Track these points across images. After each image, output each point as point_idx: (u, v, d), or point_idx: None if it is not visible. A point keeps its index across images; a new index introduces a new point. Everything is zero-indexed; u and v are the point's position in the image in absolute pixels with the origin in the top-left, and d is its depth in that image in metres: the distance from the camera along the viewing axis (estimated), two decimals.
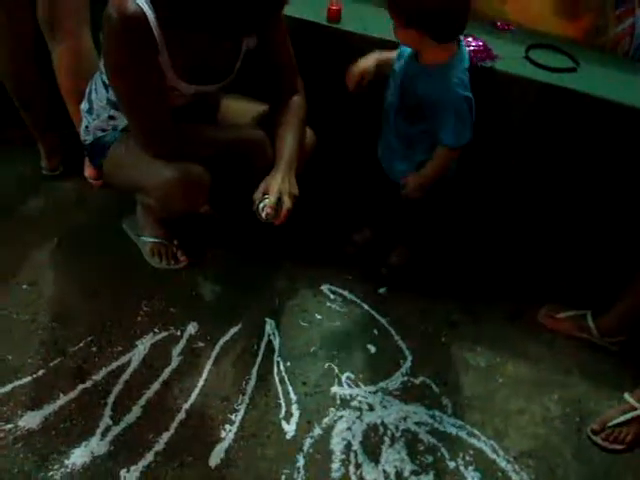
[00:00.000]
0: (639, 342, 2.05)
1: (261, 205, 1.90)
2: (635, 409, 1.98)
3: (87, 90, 2.10)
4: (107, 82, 1.93)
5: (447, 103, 1.86)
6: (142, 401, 1.89)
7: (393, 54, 1.99)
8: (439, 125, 1.91)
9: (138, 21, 1.70)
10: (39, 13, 2.18)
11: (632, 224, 2.23)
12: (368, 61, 2.01)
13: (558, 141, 2.17)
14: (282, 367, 2.04)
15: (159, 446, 1.80)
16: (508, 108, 2.01)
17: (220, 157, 1.99)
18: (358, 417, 1.95)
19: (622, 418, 1.98)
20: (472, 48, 2.08)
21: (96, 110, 2.05)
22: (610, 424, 1.98)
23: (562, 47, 2.23)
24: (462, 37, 1.90)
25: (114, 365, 1.98)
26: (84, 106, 2.11)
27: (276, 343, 2.11)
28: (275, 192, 1.88)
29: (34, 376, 1.91)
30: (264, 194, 1.90)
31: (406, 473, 1.83)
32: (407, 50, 1.93)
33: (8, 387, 1.88)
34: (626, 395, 2.02)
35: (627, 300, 2.13)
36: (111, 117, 2.04)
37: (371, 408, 1.98)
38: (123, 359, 2.00)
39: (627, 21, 2.25)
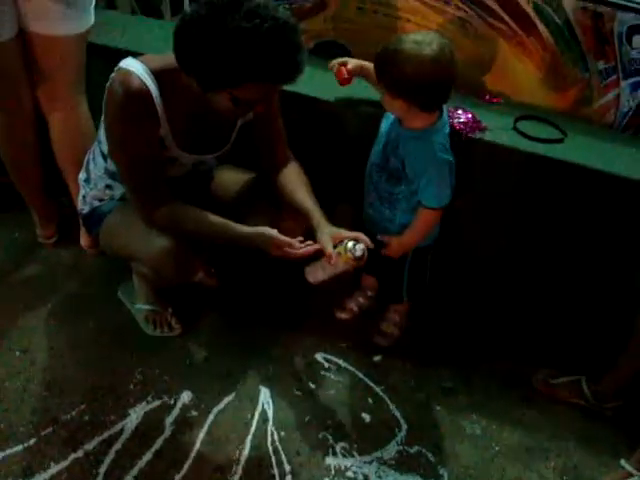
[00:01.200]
0: (634, 408, 2.04)
1: (350, 247, 1.85)
2: (632, 476, 1.96)
3: (85, 160, 2.13)
4: (105, 152, 1.96)
5: (430, 166, 1.90)
6: (134, 471, 1.87)
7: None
8: (420, 187, 1.95)
9: (142, 97, 1.75)
10: (36, 85, 2.22)
11: (623, 290, 2.25)
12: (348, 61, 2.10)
13: (547, 210, 2.20)
14: (276, 437, 2.02)
15: None
16: (497, 178, 2.05)
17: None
18: None
19: None
20: (462, 120, 2.13)
21: (93, 180, 2.08)
22: None
23: (549, 118, 2.28)
24: (446, 106, 1.95)
25: (106, 434, 1.96)
26: (82, 176, 2.14)
27: (270, 412, 2.09)
28: (349, 237, 1.88)
29: (25, 445, 1.89)
30: (335, 246, 1.87)
31: None
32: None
33: None
34: (622, 462, 2.00)
35: (622, 366, 2.13)
36: (108, 186, 2.07)
37: (366, 478, 1.95)
38: (115, 428, 1.98)
39: (612, 93, 2.31)
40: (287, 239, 1.86)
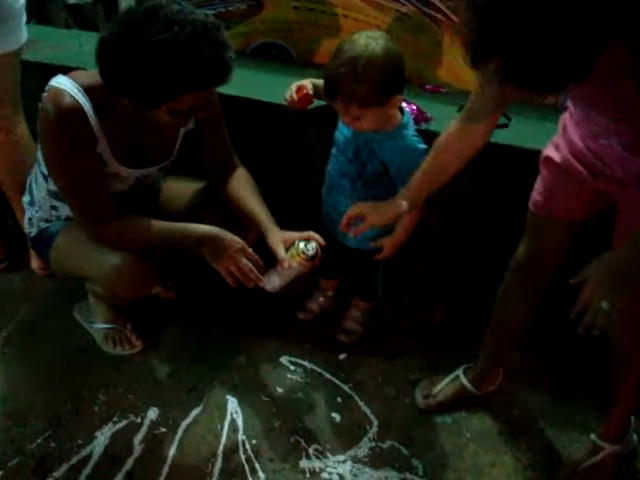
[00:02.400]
0: (599, 383, 2.07)
1: (302, 247, 1.85)
2: (603, 449, 1.99)
3: (28, 182, 2.09)
4: (46, 173, 1.93)
5: (412, 160, 1.86)
6: None
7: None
8: (405, 183, 1.92)
9: (75, 115, 1.72)
10: None
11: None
12: (302, 81, 2.05)
13: (498, 196, 2.22)
14: (247, 445, 2.00)
15: None
16: None
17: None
18: None
19: (592, 460, 1.99)
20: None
21: (38, 202, 2.04)
22: (581, 468, 1.99)
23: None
24: None
25: (75, 459, 1.92)
26: (26, 198, 2.10)
27: (239, 421, 2.07)
28: (300, 237, 1.88)
29: None
30: (287, 249, 1.87)
31: None
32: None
33: None
34: (592, 436, 2.03)
35: (487, 350, 2.15)
36: (53, 207, 2.03)
37: (342, 478, 1.95)
38: (84, 452, 1.94)
39: None
40: (240, 240, 1.86)
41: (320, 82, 1.97)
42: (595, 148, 1.58)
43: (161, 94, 1.63)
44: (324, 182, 2.12)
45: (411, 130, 1.95)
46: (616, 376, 1.95)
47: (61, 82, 1.73)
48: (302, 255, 1.84)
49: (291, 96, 2.03)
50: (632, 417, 2.02)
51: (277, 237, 1.89)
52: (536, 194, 1.82)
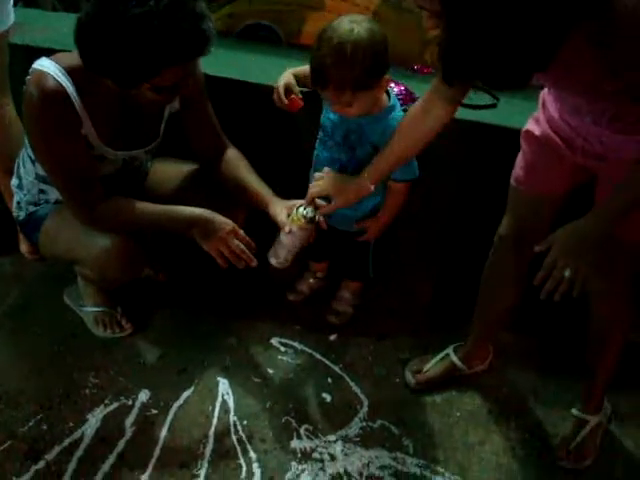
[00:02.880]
0: (582, 361, 2.08)
1: (301, 211, 1.87)
2: (588, 421, 2.02)
3: (15, 166, 2.08)
4: (33, 157, 1.92)
5: None
6: (99, 476, 1.85)
7: (306, 68, 1.95)
8: None
9: (58, 97, 1.71)
10: None
11: None
12: (285, 77, 2.01)
13: (488, 176, 2.22)
14: (239, 426, 2.01)
15: None
16: (434, 148, 2.05)
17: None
18: (321, 468, 1.93)
19: (581, 434, 2.01)
20: (395, 92, 2.13)
21: (26, 185, 2.04)
22: (572, 445, 2.01)
23: (481, 85, 2.28)
24: None
25: (66, 442, 1.93)
26: (14, 182, 2.09)
27: (230, 402, 2.08)
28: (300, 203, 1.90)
29: None
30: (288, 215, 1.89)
31: None
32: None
33: None
34: (573, 411, 2.05)
35: (476, 326, 2.17)
36: (42, 191, 2.03)
37: (333, 458, 1.96)
38: (75, 435, 1.95)
39: None
40: (230, 221, 1.86)
41: (302, 70, 1.98)
42: (574, 124, 1.61)
43: (142, 71, 1.61)
44: (312, 166, 2.11)
45: (398, 111, 1.94)
46: (595, 350, 1.97)
47: (44, 65, 1.72)
48: (302, 219, 1.85)
49: (280, 100, 1.99)
50: None
51: (279, 206, 1.91)
52: (517, 169, 1.83)
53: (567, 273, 1.47)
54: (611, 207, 1.51)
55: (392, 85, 2.01)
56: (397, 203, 2.04)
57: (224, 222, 1.86)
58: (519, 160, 1.83)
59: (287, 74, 2.02)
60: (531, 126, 1.76)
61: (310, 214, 1.86)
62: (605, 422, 2.07)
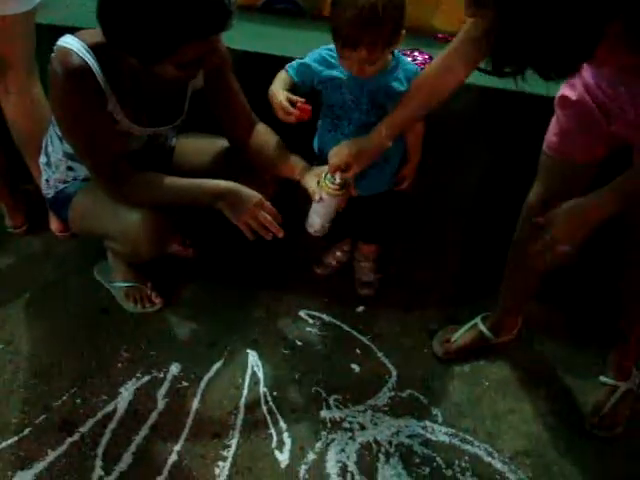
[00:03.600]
0: (611, 330, 2.07)
1: (329, 177, 1.87)
2: (619, 387, 2.02)
3: (43, 144, 2.10)
4: (60, 134, 1.94)
5: None
6: (132, 448, 1.87)
7: (284, 74, 1.97)
8: None
9: (83, 74, 1.72)
10: None
11: None
12: (279, 93, 1.91)
13: (513, 143, 2.20)
14: (269, 397, 2.03)
15: None
16: (459, 115, 2.04)
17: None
18: (350, 438, 1.95)
19: (612, 401, 2.02)
20: (419, 60, 2.12)
21: (54, 163, 2.06)
22: (603, 412, 2.01)
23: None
24: (408, 51, 1.93)
25: (100, 415, 1.95)
26: (42, 159, 2.11)
27: (260, 374, 2.10)
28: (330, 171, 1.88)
29: (20, 435, 1.88)
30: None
31: None
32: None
33: None
34: (602, 378, 2.06)
35: (505, 294, 2.17)
36: (70, 168, 2.05)
37: (362, 427, 1.98)
38: (108, 408, 1.97)
39: None
40: (258, 194, 1.87)
41: (286, 82, 1.95)
42: (608, 92, 1.58)
43: (163, 47, 1.61)
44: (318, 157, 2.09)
45: (402, 56, 1.96)
46: (628, 314, 1.97)
47: (68, 42, 1.73)
48: (331, 185, 1.85)
49: (288, 112, 1.89)
50: None
51: (309, 175, 1.92)
52: (551, 135, 1.81)
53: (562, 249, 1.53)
54: (618, 191, 1.52)
55: (416, 54, 2.00)
56: (420, 139, 2.04)
57: (251, 194, 1.87)
58: (552, 126, 1.81)
59: (278, 92, 1.92)
60: (567, 91, 1.73)
61: (338, 180, 1.85)
62: (635, 389, 2.06)
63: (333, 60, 1.92)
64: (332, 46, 1.89)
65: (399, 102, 1.83)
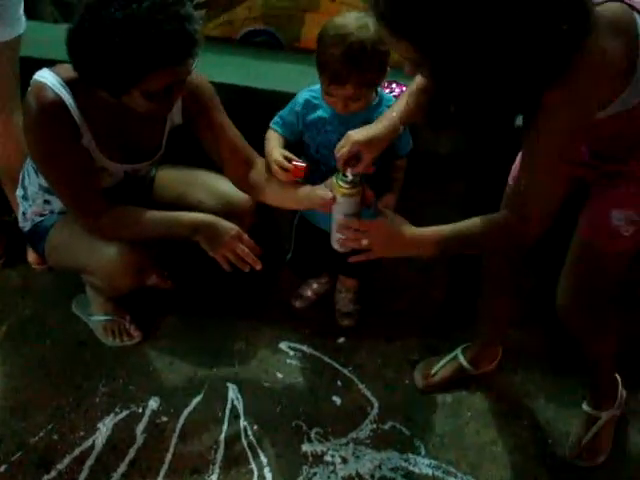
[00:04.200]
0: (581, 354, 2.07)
1: (339, 176, 1.71)
2: (600, 417, 2.00)
3: (20, 176, 2.09)
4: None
5: None
6: None
7: (272, 133, 1.96)
8: (401, 141, 1.95)
9: (57, 109, 1.72)
10: None
11: None
12: (276, 152, 1.88)
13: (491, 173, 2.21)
14: (249, 431, 2.01)
15: None
16: (435, 143, 2.05)
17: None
18: (332, 472, 1.93)
19: (594, 430, 2.00)
20: (396, 94, 2.13)
21: (31, 196, 2.04)
22: (583, 443, 2.00)
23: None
24: (386, 83, 1.94)
25: (77, 451, 1.93)
26: (19, 192, 2.10)
27: (240, 407, 2.08)
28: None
29: None
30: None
31: None
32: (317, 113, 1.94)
33: None
34: (584, 406, 2.04)
35: (485, 324, 2.17)
36: (46, 202, 2.04)
37: (344, 460, 1.96)
38: (86, 444, 1.95)
39: None
40: (235, 226, 1.85)
41: (280, 141, 1.94)
42: None
43: (128, 75, 1.59)
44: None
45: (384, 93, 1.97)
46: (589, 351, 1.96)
47: (43, 76, 1.73)
48: (344, 185, 1.69)
49: (284, 168, 1.84)
50: (617, 376, 2.04)
51: (320, 187, 1.82)
52: (515, 170, 1.81)
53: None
54: (441, 244, 1.58)
55: (394, 86, 2.02)
56: (402, 175, 2.02)
57: (228, 227, 1.86)
58: (517, 161, 1.82)
59: (273, 150, 1.90)
60: None
61: (351, 176, 1.69)
62: (619, 413, 2.05)
63: (317, 101, 1.93)
64: (313, 87, 1.91)
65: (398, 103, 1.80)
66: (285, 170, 1.83)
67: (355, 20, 1.73)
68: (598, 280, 1.73)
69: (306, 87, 1.97)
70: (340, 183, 1.69)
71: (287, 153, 1.87)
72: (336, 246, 1.76)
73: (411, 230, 1.60)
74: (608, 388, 2.02)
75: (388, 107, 1.87)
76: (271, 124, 1.97)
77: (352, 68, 1.72)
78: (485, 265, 2.02)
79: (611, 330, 1.87)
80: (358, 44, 1.70)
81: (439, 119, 1.37)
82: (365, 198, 1.73)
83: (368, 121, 1.86)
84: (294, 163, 1.83)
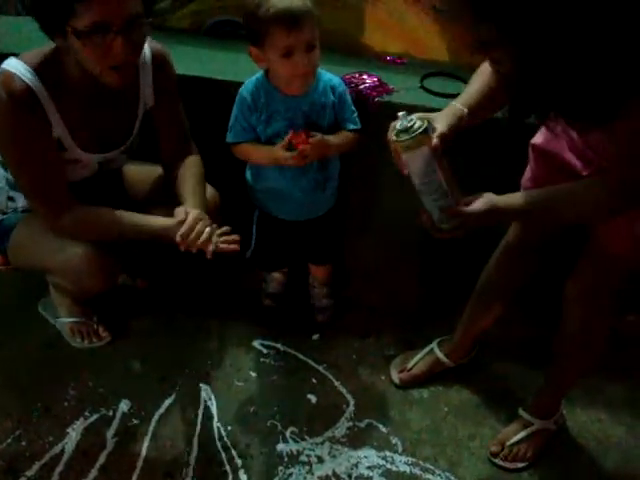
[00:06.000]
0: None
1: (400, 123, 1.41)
2: (532, 424, 2.00)
3: None
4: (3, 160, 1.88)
5: (343, 94, 1.89)
6: None
7: (250, 145, 1.92)
8: (346, 117, 1.91)
9: (26, 98, 1.66)
10: None
11: None
12: (273, 152, 1.86)
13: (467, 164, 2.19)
14: (223, 432, 1.98)
15: None
16: None
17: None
18: (308, 471, 1.90)
19: (521, 435, 1.99)
20: (367, 84, 2.10)
21: None
22: (509, 443, 1.99)
23: (455, 73, 2.26)
24: (357, 74, 1.91)
25: (47, 457, 1.88)
26: None
27: (213, 408, 2.04)
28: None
29: None
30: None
31: None
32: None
33: None
34: (520, 411, 2.03)
35: (465, 323, 2.14)
36: (10, 198, 1.98)
37: (320, 460, 1.93)
38: (55, 449, 1.90)
39: None
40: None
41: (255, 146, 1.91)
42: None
43: (58, 7, 1.51)
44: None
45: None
46: (559, 363, 1.95)
47: (11, 65, 1.67)
48: (406, 137, 1.39)
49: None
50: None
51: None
52: (525, 180, 1.80)
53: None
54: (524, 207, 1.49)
55: (365, 77, 1.98)
56: (345, 144, 1.93)
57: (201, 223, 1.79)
58: (527, 172, 1.80)
59: (270, 151, 1.87)
60: (536, 139, 1.73)
61: (418, 123, 1.38)
62: (552, 429, 2.03)
63: (259, 101, 1.88)
64: (246, 92, 1.89)
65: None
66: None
67: None
68: (613, 282, 1.71)
69: None
70: (402, 137, 1.40)
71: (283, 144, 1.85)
72: (445, 226, 1.51)
73: (501, 199, 1.49)
74: (553, 401, 2.02)
75: (331, 87, 1.86)
76: (233, 139, 1.92)
77: (300, 12, 1.68)
78: (496, 262, 1.99)
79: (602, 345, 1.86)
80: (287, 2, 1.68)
81: (521, 109, 1.29)
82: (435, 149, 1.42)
83: (316, 101, 1.86)
84: (292, 142, 1.80)
